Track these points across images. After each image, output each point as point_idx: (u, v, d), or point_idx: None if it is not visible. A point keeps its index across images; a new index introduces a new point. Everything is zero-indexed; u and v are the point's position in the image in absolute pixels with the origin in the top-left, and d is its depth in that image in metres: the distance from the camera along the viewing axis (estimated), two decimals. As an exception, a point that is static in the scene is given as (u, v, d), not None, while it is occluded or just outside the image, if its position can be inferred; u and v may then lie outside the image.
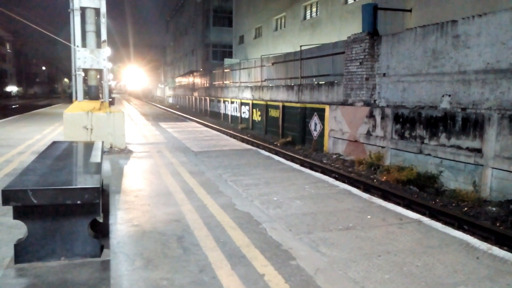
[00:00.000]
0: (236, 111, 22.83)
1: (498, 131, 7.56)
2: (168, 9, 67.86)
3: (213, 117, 27.50)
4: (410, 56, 10.28)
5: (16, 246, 3.25)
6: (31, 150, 8.86)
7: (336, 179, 7.45)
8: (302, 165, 9.70)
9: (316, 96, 15.09)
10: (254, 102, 20.17)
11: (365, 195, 5.55)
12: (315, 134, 13.78)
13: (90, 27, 8.84)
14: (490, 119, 7.71)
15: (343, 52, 12.91)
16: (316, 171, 8.75)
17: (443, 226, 4.37)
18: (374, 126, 10.87)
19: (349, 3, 19.01)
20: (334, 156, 12.32)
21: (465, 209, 7.42)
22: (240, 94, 23.77)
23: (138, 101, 51.20)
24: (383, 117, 10.56)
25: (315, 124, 13.72)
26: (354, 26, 16.84)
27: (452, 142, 8.56)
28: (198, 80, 38.16)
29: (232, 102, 23.78)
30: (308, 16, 23.35)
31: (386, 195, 8.07)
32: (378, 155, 10.54)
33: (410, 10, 13.11)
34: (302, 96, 16.18)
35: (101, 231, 3.84)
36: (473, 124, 8.09)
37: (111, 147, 8.72)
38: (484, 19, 8.32)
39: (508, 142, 7.37)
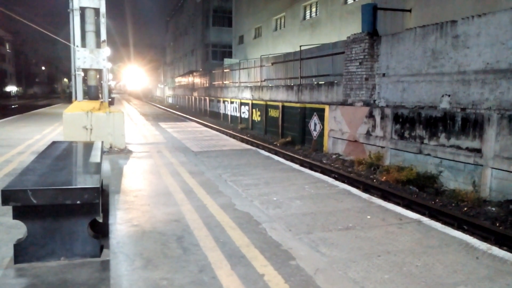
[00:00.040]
0: (236, 111, 22.83)
1: (497, 131, 7.57)
2: (167, 9, 67.88)
3: (212, 117, 27.50)
4: (410, 56, 10.29)
5: (15, 246, 3.25)
6: (30, 150, 8.86)
7: (336, 179, 7.45)
8: (301, 165, 9.70)
9: (315, 96, 15.10)
10: (254, 102, 20.17)
11: (365, 195, 5.56)
12: (314, 134, 13.78)
13: (90, 27, 8.84)
14: (490, 119, 7.72)
15: (343, 52, 12.92)
16: (315, 171, 8.75)
17: (443, 226, 4.38)
18: (374, 126, 10.88)
19: (348, 3, 19.01)
20: (334, 156, 12.33)
21: (465, 209, 7.43)
22: (240, 94, 23.77)
23: (137, 101, 51.18)
24: (382, 117, 10.56)
25: (315, 124, 13.72)
26: (353, 26, 16.85)
27: (451, 142, 8.57)
28: (197, 80, 38.16)
29: (231, 102, 23.78)
30: (307, 16, 23.35)
31: (385, 195, 8.08)
32: (377, 155, 10.54)
33: (409, 10, 13.11)
34: (301, 96, 16.19)
35: (100, 231, 3.84)
36: (472, 124, 8.09)
37: (110, 147, 8.72)
38: (483, 19, 8.32)
39: (508, 142, 7.38)
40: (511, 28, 7.76)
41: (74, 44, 8.68)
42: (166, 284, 2.98)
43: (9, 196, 3.09)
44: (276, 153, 12.71)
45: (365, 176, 9.95)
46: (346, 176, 9.69)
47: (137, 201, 5.08)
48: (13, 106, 41.50)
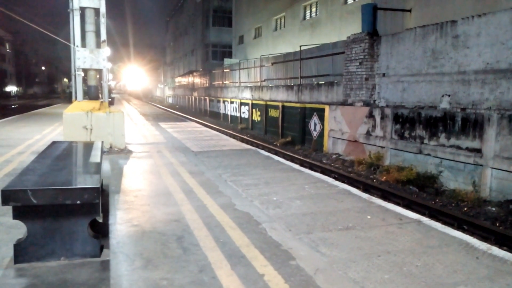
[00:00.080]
0: (236, 111, 22.84)
1: (497, 131, 7.57)
2: (167, 9, 67.88)
3: (212, 117, 27.50)
4: (410, 56, 10.29)
5: (15, 246, 3.25)
6: (30, 150, 8.86)
7: (336, 179, 7.46)
8: (301, 165, 9.70)
9: (315, 96, 15.10)
10: (254, 102, 20.17)
11: (365, 195, 5.56)
12: (314, 134, 13.78)
13: (90, 27, 8.84)
14: (490, 119, 7.72)
15: (343, 52, 12.92)
16: (315, 171, 8.75)
17: (443, 226, 4.38)
18: (374, 126, 10.88)
19: (348, 3, 19.01)
20: (334, 156, 12.33)
21: (465, 209, 7.43)
22: (240, 94, 23.77)
23: (138, 101, 51.19)
24: (382, 117, 10.56)
25: (315, 124, 13.72)
26: (353, 26, 16.85)
27: (451, 142, 8.57)
28: (197, 80, 38.16)
29: (231, 102, 23.78)
30: (307, 16, 23.35)
31: (385, 195, 8.08)
32: (377, 155, 10.54)
33: (409, 10, 13.11)
34: (301, 96, 16.19)
35: (100, 231, 3.84)
36: (472, 124, 8.09)
37: (110, 147, 8.72)
38: (483, 19, 8.32)
39: (508, 142, 7.38)
40: (511, 28, 7.76)
41: (74, 44, 8.68)
42: (166, 284, 2.98)
43: (9, 196, 3.08)
44: (276, 153, 12.71)
45: (365, 176, 9.95)
46: (346, 176, 9.69)
47: (137, 201, 5.08)
48: (13, 106, 41.50)
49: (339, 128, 12.42)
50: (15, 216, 3.23)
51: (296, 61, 17.12)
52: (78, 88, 8.86)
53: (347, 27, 18.14)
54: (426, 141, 9.22)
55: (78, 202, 3.22)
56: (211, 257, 3.44)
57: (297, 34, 23.74)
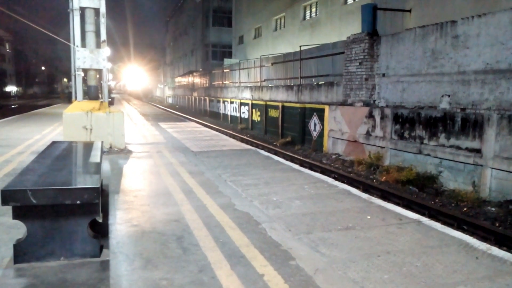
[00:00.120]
0: (236, 111, 22.84)
1: (497, 131, 7.57)
2: (167, 9, 67.92)
3: (212, 117, 27.50)
4: (410, 56, 10.29)
5: (15, 246, 3.25)
6: (30, 150, 8.86)
7: (336, 179, 7.46)
8: (301, 165, 9.70)
9: (315, 96, 15.10)
10: (254, 102, 20.17)
11: (365, 195, 5.56)
12: (314, 134, 13.78)
13: (90, 27, 8.84)
14: (490, 120, 7.72)
15: (343, 52, 12.92)
16: (315, 171, 8.75)
17: (443, 226, 4.38)
18: (374, 126, 10.88)
19: (348, 3, 19.02)
20: (334, 156, 12.33)
21: (465, 209, 7.43)
22: (240, 94, 23.77)
23: (137, 101, 51.19)
24: (382, 117, 10.56)
25: (315, 124, 13.72)
26: (353, 27, 16.86)
27: (451, 142, 8.57)
28: (197, 80, 38.16)
29: (231, 102, 23.78)
30: (307, 16, 23.36)
31: (385, 195, 8.08)
32: (377, 155, 10.54)
33: (409, 11, 13.12)
34: (301, 96, 16.19)
35: (100, 231, 3.84)
36: (472, 124, 8.10)
37: (110, 147, 8.72)
38: (483, 19, 8.33)
39: (508, 142, 7.38)
40: (510, 28, 7.76)
41: (74, 44, 8.68)
42: (166, 284, 2.98)
43: (9, 196, 3.08)
44: (276, 153, 12.71)
45: (365, 176, 9.95)
46: (346, 176, 9.69)
47: (137, 201, 5.08)
48: (12, 106, 41.49)
49: (339, 128, 12.42)
50: (15, 216, 3.23)
51: (296, 61, 17.12)
52: (78, 88, 8.86)
53: (347, 27, 18.14)
54: (426, 141, 9.22)
55: (78, 202, 3.22)
56: (211, 257, 3.44)
57: (297, 34, 23.74)
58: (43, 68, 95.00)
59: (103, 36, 8.74)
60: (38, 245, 3.27)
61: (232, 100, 23.85)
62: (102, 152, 5.29)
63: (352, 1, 18.63)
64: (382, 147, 10.59)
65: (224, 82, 28.39)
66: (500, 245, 5.68)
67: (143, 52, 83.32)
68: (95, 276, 3.10)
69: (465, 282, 3.06)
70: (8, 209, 3.27)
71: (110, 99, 14.14)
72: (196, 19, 46.68)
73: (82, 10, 8.68)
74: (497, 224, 6.70)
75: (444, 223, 5.91)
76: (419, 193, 8.51)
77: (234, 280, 3.05)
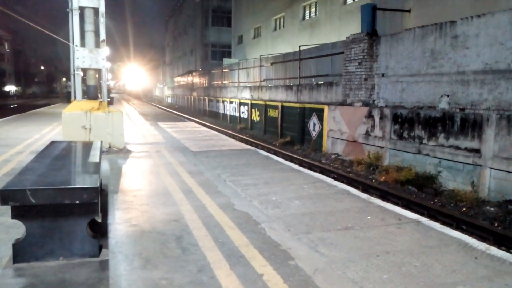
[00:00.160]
0: (235, 111, 22.84)
1: (496, 132, 7.58)
2: (167, 8, 67.93)
3: (212, 117, 27.49)
4: (409, 56, 10.30)
5: (14, 246, 3.25)
6: (29, 150, 8.85)
7: (335, 179, 7.46)
8: (301, 165, 9.70)
9: (315, 96, 15.10)
10: (253, 102, 20.17)
11: (364, 195, 5.56)
12: (314, 134, 13.79)
13: (89, 26, 8.83)
14: (489, 120, 7.73)
15: (342, 52, 12.92)
16: (315, 171, 8.75)
17: (442, 226, 4.38)
18: (373, 126, 10.89)
19: (348, 3, 19.02)
20: (333, 156, 12.33)
21: (464, 209, 7.44)
22: (239, 94, 23.77)
23: (137, 101, 51.17)
24: (381, 117, 10.57)
25: (314, 124, 13.72)
26: (353, 27, 16.86)
27: (450, 143, 8.58)
28: (197, 80, 38.14)
29: (231, 102, 23.78)
30: (307, 16, 23.36)
31: (384, 195, 8.08)
32: (376, 155, 10.55)
33: (409, 11, 13.13)
34: (301, 96, 16.19)
35: (99, 231, 3.84)
36: (471, 125, 8.10)
37: (109, 147, 8.71)
38: (482, 19, 8.33)
39: (507, 142, 7.39)
40: (510, 29, 7.77)
41: (73, 44, 8.67)
42: (165, 284, 2.98)
43: (8, 195, 3.08)
44: (275, 153, 12.71)
45: (364, 176, 9.95)
46: (345, 176, 9.69)
47: (136, 201, 5.08)
48: (12, 106, 41.45)
49: (338, 128, 12.43)
50: (14, 216, 3.23)
51: (295, 61, 17.12)
52: (77, 87, 8.85)
53: (346, 27, 18.15)
54: (425, 141, 9.23)
55: (77, 202, 3.22)
56: (210, 257, 3.44)
57: (296, 34, 23.74)
58: (42, 67, 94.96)
59: (103, 35, 8.74)
60: (37, 244, 3.27)
61: (231, 100, 23.85)
62: (101, 152, 5.29)
63: (352, 1, 18.63)
64: (381, 147, 10.59)
65: (224, 82, 28.39)
66: (499, 245, 5.69)
67: (142, 52, 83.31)
68: (94, 276, 3.10)
69: (464, 282, 3.07)
70: (7, 209, 3.27)
71: (109, 99, 14.14)
72: (196, 19, 46.66)
73: (82, 9, 8.67)
74: (496, 224, 6.71)
75: (443, 223, 5.91)
76: (418, 193, 8.52)
77: (234, 280, 3.05)
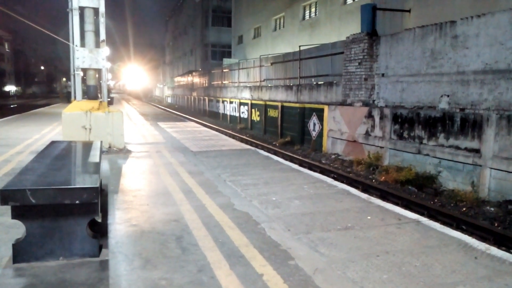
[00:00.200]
0: (235, 111, 22.84)
1: (496, 132, 7.58)
2: (167, 8, 67.92)
3: (212, 117, 27.49)
4: (409, 56, 10.30)
5: (14, 245, 3.25)
6: (29, 150, 8.85)
7: (335, 179, 7.46)
8: (301, 165, 9.70)
9: (315, 96, 15.10)
10: (253, 102, 20.17)
11: (364, 195, 5.56)
12: (314, 134, 13.79)
13: (89, 26, 8.83)
14: (489, 120, 7.73)
15: (342, 52, 12.92)
16: (315, 171, 8.75)
17: (442, 226, 4.38)
18: (373, 126, 10.89)
19: (348, 3, 19.02)
20: (333, 156, 12.33)
21: (464, 209, 7.44)
22: (239, 94, 23.77)
23: (137, 101, 51.16)
24: (381, 117, 10.57)
25: (314, 124, 13.72)
26: (353, 26, 16.86)
27: (450, 143, 8.58)
28: (197, 80, 38.15)
29: (231, 102, 23.78)
30: (307, 16, 23.36)
31: (384, 195, 8.08)
32: (376, 155, 10.55)
33: (409, 11, 13.12)
34: (301, 96, 16.19)
35: (99, 231, 3.84)
36: (471, 125, 8.10)
37: (109, 147, 8.71)
38: (482, 19, 8.33)
39: (507, 142, 7.39)
40: (510, 29, 7.77)
41: (73, 44, 8.67)
42: (165, 284, 2.98)
43: (8, 195, 3.08)
44: (275, 153, 12.71)
45: (364, 176, 9.95)
46: (345, 176, 9.69)
47: (136, 201, 5.08)
48: (12, 106, 41.45)
49: (338, 128, 12.43)
50: (14, 216, 3.23)
51: (295, 61, 17.12)
52: (77, 87, 8.85)
53: (346, 27, 18.15)
54: (425, 141, 9.23)
55: (77, 202, 3.22)
56: (210, 257, 3.44)
57: (296, 34, 23.74)
58: (42, 67, 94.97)
59: (102, 35, 8.74)
60: (37, 244, 3.27)
61: (231, 100, 23.85)
62: (101, 152, 5.29)
63: (352, 1, 18.63)
64: (381, 147, 10.59)
65: (224, 82, 28.39)
66: (499, 245, 5.69)
67: (142, 52, 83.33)
68: (94, 276, 3.10)
69: (464, 282, 3.07)
70: (7, 209, 3.27)
71: (109, 99, 14.14)
72: (196, 19, 46.66)
73: (82, 9, 8.67)
74: (496, 224, 6.71)
75: (443, 223, 5.91)
76: (418, 193, 8.52)
77: (233, 280, 3.05)
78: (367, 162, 10.56)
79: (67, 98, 31.69)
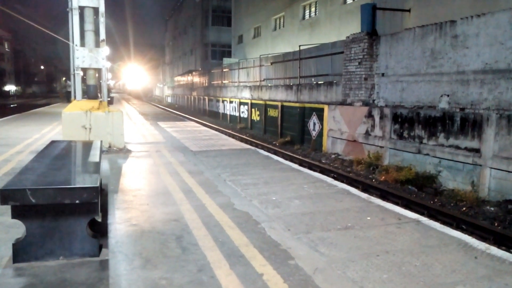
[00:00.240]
0: (235, 110, 22.83)
1: (496, 131, 7.58)
2: (167, 8, 67.88)
3: (212, 116, 27.49)
4: (409, 56, 10.30)
5: (14, 245, 3.25)
6: (29, 150, 8.85)
7: (335, 178, 7.46)
8: (301, 164, 9.70)
9: (315, 95, 15.10)
10: (253, 101, 20.17)
11: (364, 195, 5.56)
12: (314, 134, 13.79)
13: (89, 26, 8.83)
14: (489, 119, 7.73)
15: (342, 52, 12.92)
16: (315, 170, 8.75)
17: (442, 226, 4.38)
18: (373, 126, 10.89)
19: (348, 3, 19.02)
20: (333, 156, 12.33)
21: (464, 209, 7.44)
22: (239, 94, 23.77)
23: (137, 101, 51.15)
24: (381, 117, 10.57)
25: (314, 124, 13.72)
26: (353, 26, 16.85)
27: (450, 142, 8.58)
28: (197, 80, 38.14)
29: (231, 102, 23.78)
30: (307, 16, 23.35)
31: (384, 195, 8.08)
32: (376, 155, 10.55)
33: (409, 10, 13.11)
34: (301, 96, 16.19)
35: (99, 231, 3.84)
36: (471, 124, 8.10)
37: (109, 147, 8.71)
38: (482, 19, 8.33)
39: (507, 142, 7.39)
40: (510, 28, 7.77)
41: (73, 43, 8.67)
42: (165, 283, 2.98)
43: (7, 195, 3.08)
44: (275, 152, 12.71)
45: (364, 176, 9.95)
46: (345, 175, 9.69)
47: (136, 201, 5.08)
48: (11, 105, 41.44)
49: (338, 128, 12.43)
50: (14, 216, 3.23)
51: (295, 60, 17.12)
52: (77, 87, 8.85)
53: (346, 27, 18.14)
54: (425, 141, 9.23)
55: (77, 201, 3.22)
56: (210, 256, 3.44)
57: (296, 34, 23.74)
58: (42, 67, 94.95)
59: (102, 35, 8.74)
60: (37, 244, 3.27)
61: (231, 99, 23.85)
62: (101, 152, 5.29)
63: (352, 1, 18.62)
64: (381, 147, 10.59)
65: (224, 82, 28.38)
66: (499, 245, 5.69)
67: (142, 51, 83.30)
68: (94, 275, 3.10)
69: (464, 282, 3.07)
70: (7, 208, 3.27)
71: (109, 99, 14.14)
72: (196, 18, 46.65)
73: (82, 9, 8.67)
74: (496, 224, 6.71)
75: (443, 222, 5.92)
76: (418, 193, 8.52)
77: (233, 279, 3.05)
78: (367, 162, 10.57)
79: (67, 97, 31.69)
